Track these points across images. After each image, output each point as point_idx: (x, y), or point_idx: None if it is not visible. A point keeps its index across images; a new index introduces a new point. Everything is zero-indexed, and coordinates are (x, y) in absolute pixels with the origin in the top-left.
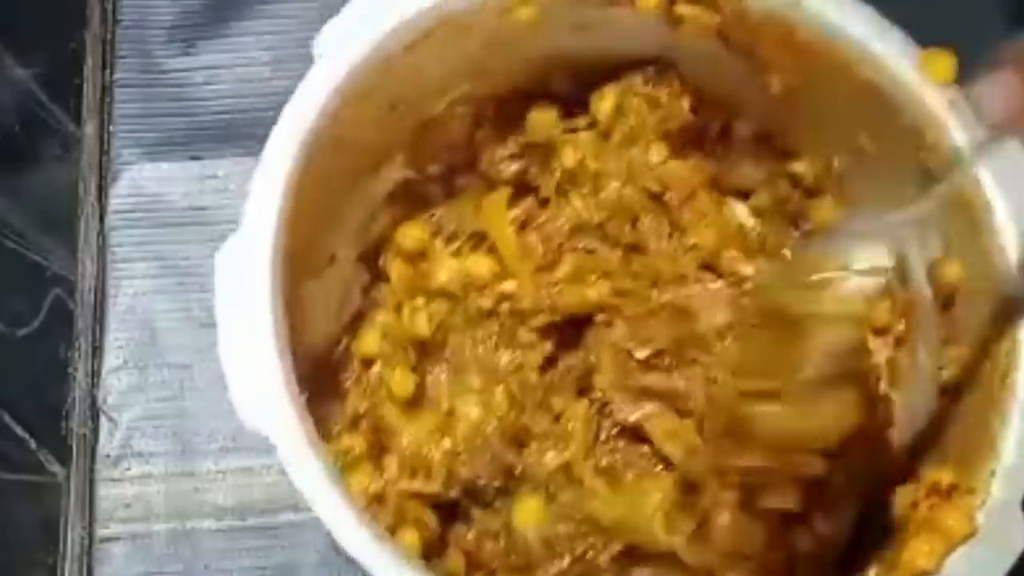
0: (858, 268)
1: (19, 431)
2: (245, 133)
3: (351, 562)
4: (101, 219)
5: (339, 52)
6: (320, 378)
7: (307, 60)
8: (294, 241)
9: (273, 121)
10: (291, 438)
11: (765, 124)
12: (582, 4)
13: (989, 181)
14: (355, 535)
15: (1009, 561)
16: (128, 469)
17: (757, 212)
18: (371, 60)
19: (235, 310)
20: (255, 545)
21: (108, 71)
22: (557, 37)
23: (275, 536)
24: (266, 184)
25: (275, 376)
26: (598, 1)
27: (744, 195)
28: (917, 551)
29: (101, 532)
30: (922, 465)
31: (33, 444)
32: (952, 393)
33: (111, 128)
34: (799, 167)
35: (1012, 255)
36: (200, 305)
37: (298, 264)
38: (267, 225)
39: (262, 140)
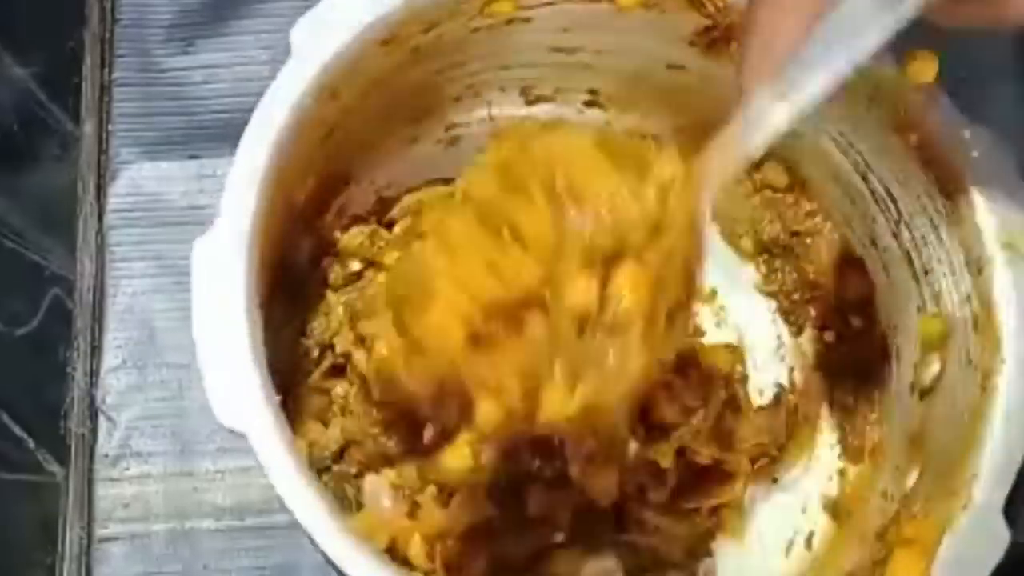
0: None
1: (17, 431)
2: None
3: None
4: (100, 218)
5: (314, 47)
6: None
7: None
8: (269, 238)
9: None
10: (266, 437)
11: None
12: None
13: None
14: (329, 533)
15: (991, 565)
16: (127, 469)
17: None
18: (346, 55)
19: (211, 309)
20: (254, 545)
21: (107, 70)
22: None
23: (274, 536)
24: (241, 179)
25: (250, 376)
26: None
27: None
28: (902, 564)
29: (100, 532)
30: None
31: (31, 444)
32: (931, 398)
33: (110, 127)
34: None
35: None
36: None
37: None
38: (242, 224)
39: None
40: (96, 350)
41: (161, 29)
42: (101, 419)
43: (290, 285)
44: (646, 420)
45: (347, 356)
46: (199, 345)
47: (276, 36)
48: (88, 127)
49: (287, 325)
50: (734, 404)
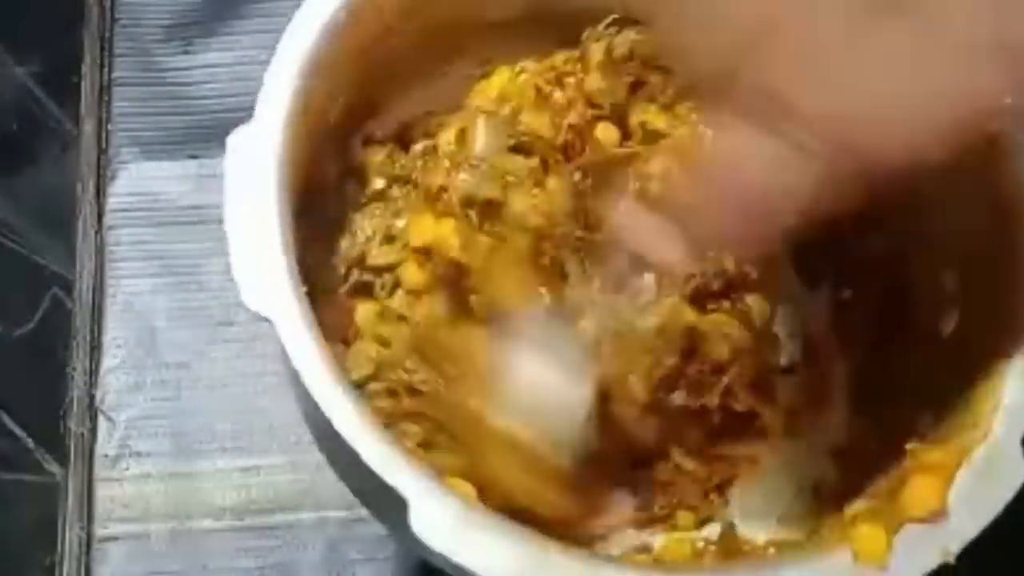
0: None
1: (17, 430)
2: None
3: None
4: (99, 218)
5: None
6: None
7: None
8: (301, 149)
9: None
10: (290, 319)
11: None
12: None
13: None
14: (351, 419)
15: (1007, 497)
16: (127, 469)
17: None
18: None
19: (242, 197)
20: (254, 545)
21: (106, 70)
22: None
23: (274, 536)
24: (278, 75)
25: (280, 262)
26: None
27: None
28: (920, 490)
29: (99, 532)
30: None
31: (31, 444)
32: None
33: (109, 127)
34: None
35: None
36: (199, 304)
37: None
38: (277, 117)
39: None
40: (95, 350)
41: (161, 29)
42: (101, 419)
43: (317, 205)
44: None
45: (380, 270)
46: (229, 231)
47: (276, 36)
48: (87, 127)
49: (312, 245)
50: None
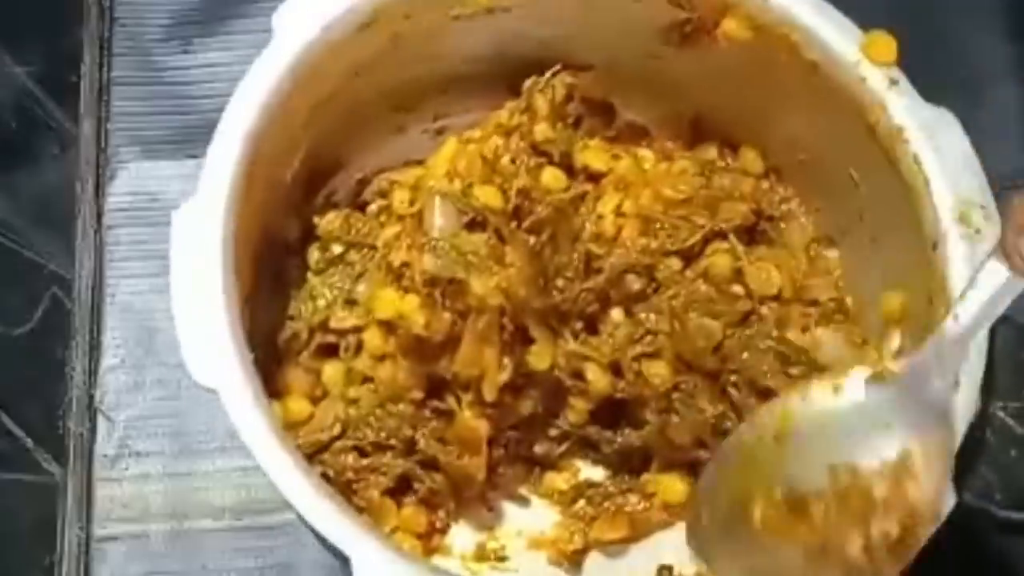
0: None
1: (16, 430)
2: None
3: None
4: (98, 217)
5: (294, 31)
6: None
7: None
8: (252, 215)
9: None
10: (238, 393)
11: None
12: None
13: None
14: (299, 488)
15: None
16: (126, 469)
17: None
18: (325, 39)
19: (189, 269)
20: (253, 545)
21: (105, 69)
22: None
23: (273, 536)
24: (219, 153)
25: (224, 333)
26: None
27: None
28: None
29: (99, 532)
30: None
31: (30, 443)
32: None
33: (108, 126)
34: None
35: None
36: None
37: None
38: (220, 192)
39: None
40: (95, 349)
41: (160, 28)
42: (100, 419)
43: (276, 266)
44: None
45: (344, 332)
46: (175, 306)
47: None
48: (86, 126)
49: (275, 305)
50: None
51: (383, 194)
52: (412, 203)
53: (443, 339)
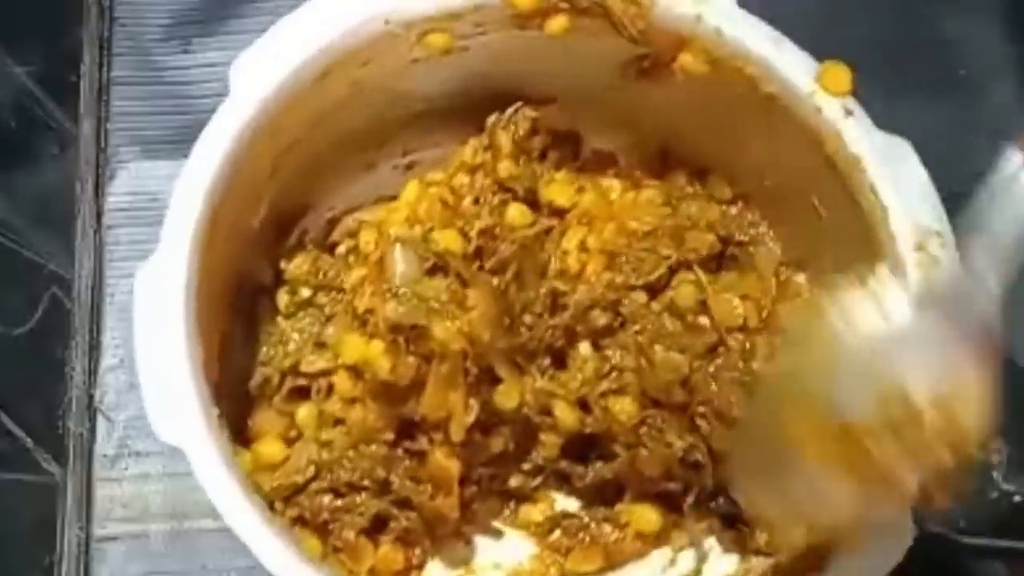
0: None
1: (16, 430)
2: None
3: None
4: (98, 217)
5: (251, 86)
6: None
7: None
8: (220, 264)
9: None
10: (203, 453)
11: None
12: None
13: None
14: (268, 548)
15: (899, 555)
16: (125, 469)
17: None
18: (283, 93)
19: (152, 330)
20: None
21: (105, 69)
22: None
23: None
24: (179, 210)
25: (187, 392)
26: (511, 21)
27: None
28: None
29: (98, 532)
30: None
31: (30, 443)
32: None
33: (108, 126)
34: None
35: None
36: None
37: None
38: (181, 251)
39: None
40: (94, 349)
41: (159, 28)
42: (100, 418)
43: (250, 309)
44: None
45: (314, 376)
46: (139, 365)
47: None
48: (86, 126)
49: (250, 347)
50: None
51: (352, 234)
52: (377, 245)
53: (409, 383)
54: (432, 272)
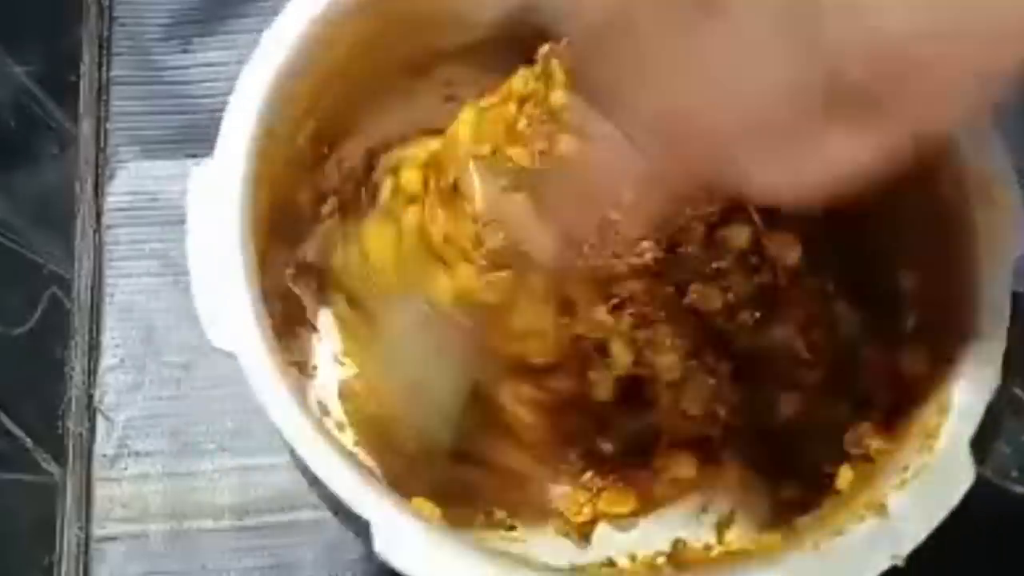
0: None
1: (15, 430)
2: None
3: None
4: (97, 217)
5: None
6: None
7: None
8: (268, 176)
9: None
10: (255, 356)
11: None
12: None
13: None
14: (315, 450)
15: (954, 500)
16: (125, 469)
17: None
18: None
19: (205, 234)
20: (253, 545)
21: (105, 68)
22: None
23: (273, 536)
24: (238, 112)
25: (242, 298)
26: None
27: None
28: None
29: (98, 532)
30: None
31: (29, 443)
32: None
33: (108, 126)
34: None
35: None
36: None
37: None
38: (238, 156)
39: None
40: (94, 349)
41: (159, 28)
42: (99, 418)
43: (289, 228)
44: None
45: None
46: (192, 268)
47: None
48: (86, 126)
49: (289, 256)
50: None
51: (394, 171)
52: (427, 181)
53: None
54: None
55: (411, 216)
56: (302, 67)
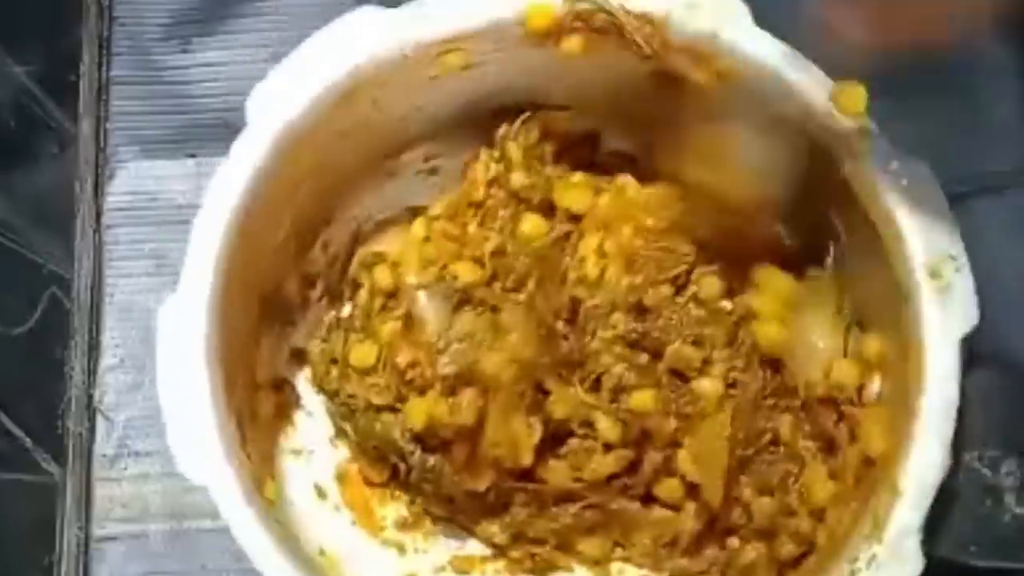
0: None
1: (15, 430)
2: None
3: None
4: (97, 217)
5: (268, 118)
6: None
7: None
8: (233, 293)
9: None
10: (229, 495)
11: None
12: (512, 45)
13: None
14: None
15: None
16: (125, 468)
17: None
18: (301, 123)
19: (174, 370)
20: None
21: (104, 68)
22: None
23: None
24: (200, 250)
25: (211, 433)
26: (527, 40)
27: None
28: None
29: (98, 532)
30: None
31: (29, 443)
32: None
33: (107, 126)
34: None
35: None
36: None
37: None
38: (202, 290)
39: None
40: (94, 349)
41: (159, 27)
42: (99, 418)
43: (280, 315)
44: None
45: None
46: (163, 403)
47: (275, 35)
48: (85, 125)
49: (281, 343)
50: None
51: (368, 267)
52: (396, 289)
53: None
54: (459, 307)
55: (387, 333)
56: (274, 169)
